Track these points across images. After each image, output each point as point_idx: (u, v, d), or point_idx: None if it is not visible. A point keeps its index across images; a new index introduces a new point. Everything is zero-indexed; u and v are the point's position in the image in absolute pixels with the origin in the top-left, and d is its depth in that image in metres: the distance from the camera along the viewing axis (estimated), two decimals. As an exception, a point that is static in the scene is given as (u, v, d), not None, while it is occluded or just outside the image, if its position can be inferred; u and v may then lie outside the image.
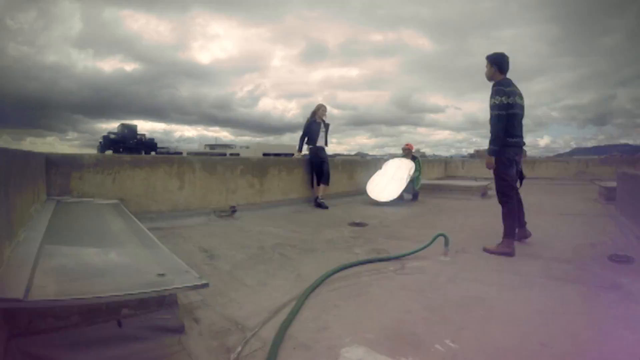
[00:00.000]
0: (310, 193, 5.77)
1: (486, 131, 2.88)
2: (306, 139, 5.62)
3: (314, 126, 5.56)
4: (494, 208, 5.31)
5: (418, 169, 6.41)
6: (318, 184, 5.63)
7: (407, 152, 6.83)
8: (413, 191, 6.42)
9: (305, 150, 5.73)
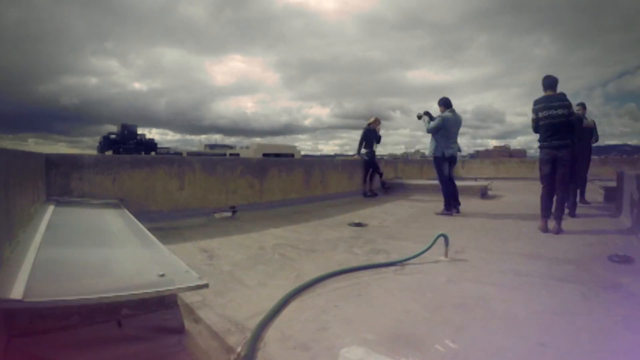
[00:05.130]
0: (306, 192, 5.89)
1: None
2: (364, 143, 6.86)
3: (370, 134, 6.84)
4: (493, 208, 5.33)
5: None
6: (370, 180, 6.98)
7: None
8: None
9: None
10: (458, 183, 7.83)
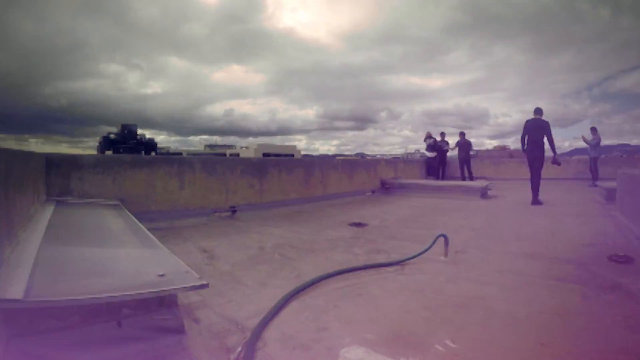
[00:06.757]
0: (306, 192, 5.88)
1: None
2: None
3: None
4: (493, 208, 5.34)
5: None
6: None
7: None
8: None
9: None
10: (458, 183, 7.88)
